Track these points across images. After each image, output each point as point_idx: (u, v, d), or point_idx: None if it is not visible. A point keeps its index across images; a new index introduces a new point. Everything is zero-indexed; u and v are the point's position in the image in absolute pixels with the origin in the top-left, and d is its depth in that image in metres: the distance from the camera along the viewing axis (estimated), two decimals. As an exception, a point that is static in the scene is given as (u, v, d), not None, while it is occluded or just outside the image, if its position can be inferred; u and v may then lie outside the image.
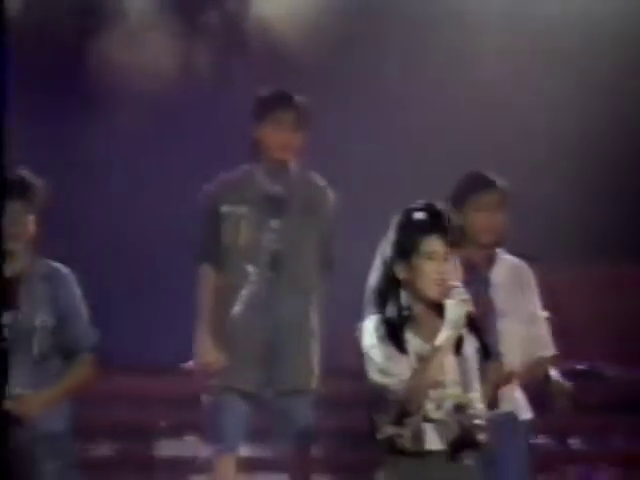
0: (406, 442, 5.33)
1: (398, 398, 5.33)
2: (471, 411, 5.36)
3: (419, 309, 5.28)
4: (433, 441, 5.32)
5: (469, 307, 5.28)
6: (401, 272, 5.25)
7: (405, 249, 5.24)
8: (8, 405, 6.23)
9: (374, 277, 5.37)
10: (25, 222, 6.40)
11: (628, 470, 8.14)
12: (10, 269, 6.32)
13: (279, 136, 6.87)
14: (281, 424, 6.78)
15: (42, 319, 6.43)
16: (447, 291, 5.28)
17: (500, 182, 6.56)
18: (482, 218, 6.51)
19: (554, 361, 6.57)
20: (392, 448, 5.36)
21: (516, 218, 6.65)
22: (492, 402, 6.28)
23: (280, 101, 6.88)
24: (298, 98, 6.88)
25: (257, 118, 6.81)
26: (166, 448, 8.07)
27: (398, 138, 8.36)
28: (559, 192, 8.50)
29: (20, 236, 6.34)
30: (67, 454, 6.46)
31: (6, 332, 6.36)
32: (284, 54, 8.86)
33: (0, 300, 6.30)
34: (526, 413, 6.45)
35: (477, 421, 5.37)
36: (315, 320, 6.78)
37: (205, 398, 6.86)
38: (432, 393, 5.38)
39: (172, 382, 7.64)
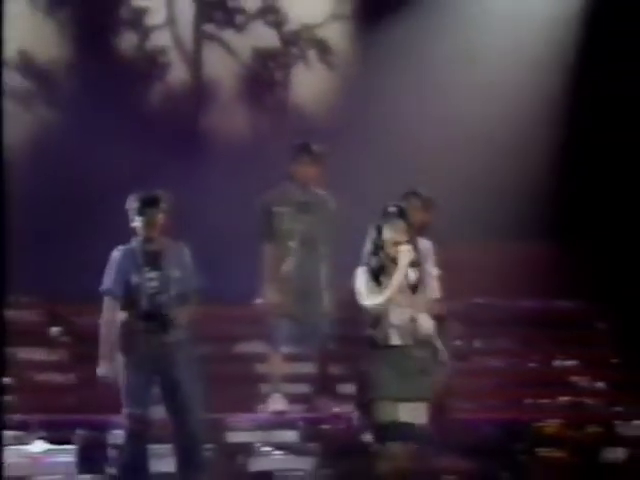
0: (379, 340, 7.08)
1: (375, 312, 7.07)
2: (419, 323, 7.14)
3: (388, 260, 7.08)
4: (395, 339, 7.09)
5: (411, 257, 7.03)
6: (380, 240, 7.06)
7: (382, 227, 7.08)
8: (172, 314, 7.67)
9: (367, 245, 7.17)
10: (157, 220, 7.77)
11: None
12: (153, 246, 7.78)
13: (303, 170, 8.63)
14: (309, 334, 8.56)
15: (174, 273, 7.83)
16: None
17: (420, 192, 8.16)
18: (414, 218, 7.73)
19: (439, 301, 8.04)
20: (372, 343, 7.09)
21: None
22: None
23: (304, 149, 8.65)
24: (315, 147, 8.64)
25: (292, 159, 8.65)
26: (243, 348, 9.66)
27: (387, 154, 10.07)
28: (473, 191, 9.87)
29: (155, 228, 7.77)
30: (190, 352, 7.87)
31: (155, 282, 7.78)
32: (310, 120, 10.68)
33: (153, 263, 7.81)
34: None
35: (424, 330, 7.14)
36: (324, 272, 8.55)
37: (269, 320, 8.58)
38: (395, 310, 7.14)
39: (245, 309, 8.90)
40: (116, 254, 7.80)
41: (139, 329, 7.79)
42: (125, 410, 7.69)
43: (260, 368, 9.13)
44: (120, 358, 7.75)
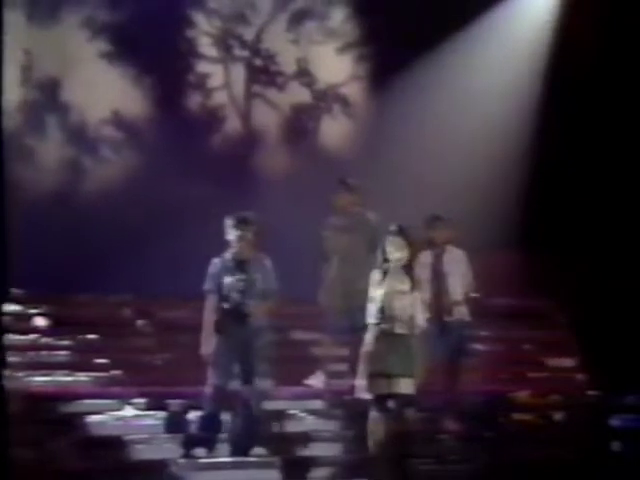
0: (386, 329, 7.55)
1: (382, 305, 7.49)
2: (418, 316, 7.56)
3: (390, 267, 7.62)
4: (398, 328, 7.56)
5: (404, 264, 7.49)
6: (385, 252, 7.60)
7: (385, 242, 7.66)
8: (251, 309, 7.91)
9: (378, 256, 7.70)
10: (247, 236, 8.14)
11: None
12: (242, 256, 8.12)
13: (342, 199, 9.20)
14: (351, 325, 8.81)
15: (257, 277, 8.25)
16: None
17: (445, 218, 8.74)
18: (439, 236, 8.75)
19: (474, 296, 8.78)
20: (380, 331, 7.53)
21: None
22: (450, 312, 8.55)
23: (342, 182, 9.25)
24: (350, 180, 9.23)
25: (334, 191, 9.20)
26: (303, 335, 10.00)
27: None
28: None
29: (245, 242, 8.17)
30: (265, 338, 8.24)
31: (242, 283, 8.04)
32: (334, 157, 11.22)
33: (242, 269, 8.16)
34: (467, 317, 8.80)
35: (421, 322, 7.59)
36: (365, 277, 8.59)
37: (323, 315, 9.14)
38: (398, 306, 7.53)
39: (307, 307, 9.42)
40: (215, 261, 8.20)
41: (230, 318, 8.11)
42: (210, 381, 8.06)
43: (315, 351, 9.53)
44: (213, 340, 8.11)
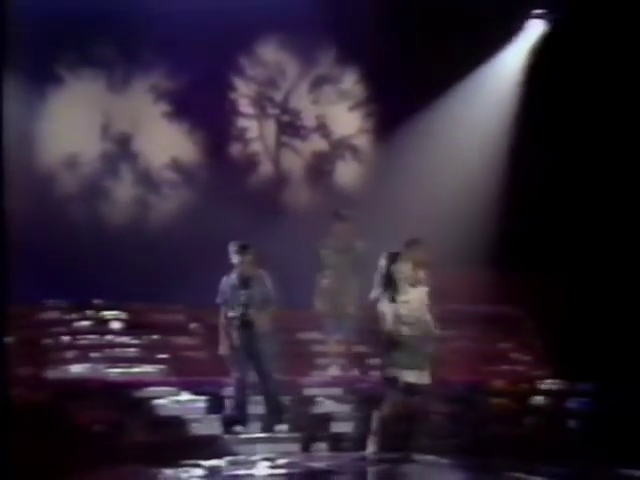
0: (394, 331, 7.71)
1: (390, 314, 7.67)
2: (421, 321, 7.81)
3: (397, 282, 7.73)
4: (405, 331, 7.73)
5: (410, 280, 7.74)
6: (391, 270, 7.75)
7: (395, 261, 7.90)
8: (252, 317, 8.19)
9: (378, 272, 7.82)
10: (246, 259, 8.47)
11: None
12: (244, 274, 8.46)
13: (337, 227, 9.60)
14: (342, 327, 9.36)
15: (257, 291, 8.59)
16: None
17: (422, 241, 8.52)
18: (415, 255, 8.41)
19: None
20: (389, 333, 7.73)
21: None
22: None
23: (337, 214, 9.69)
24: (344, 212, 9.65)
25: (334, 219, 9.66)
26: (310, 335, 10.27)
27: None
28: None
29: (245, 264, 8.53)
30: (269, 340, 8.60)
31: (245, 297, 8.39)
32: (347, 194, 11.51)
33: (244, 285, 8.51)
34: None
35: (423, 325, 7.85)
36: (352, 291, 9.25)
37: (321, 319, 9.61)
38: (404, 311, 7.75)
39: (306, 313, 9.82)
40: (224, 279, 8.68)
41: (237, 325, 8.49)
42: (233, 374, 8.56)
43: (317, 348, 9.90)
44: (229, 343, 8.60)
